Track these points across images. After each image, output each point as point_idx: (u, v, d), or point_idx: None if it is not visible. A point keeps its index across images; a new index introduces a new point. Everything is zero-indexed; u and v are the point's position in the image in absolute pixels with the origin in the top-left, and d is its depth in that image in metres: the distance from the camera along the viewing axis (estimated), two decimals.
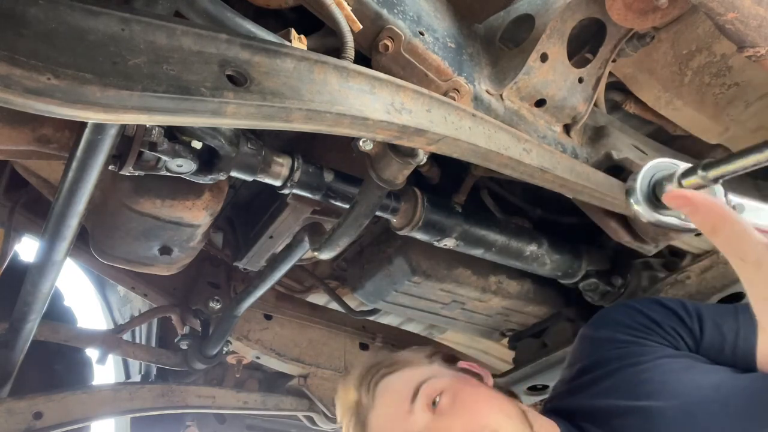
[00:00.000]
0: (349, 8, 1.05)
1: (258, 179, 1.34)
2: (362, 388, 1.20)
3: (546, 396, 2.08)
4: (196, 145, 1.21)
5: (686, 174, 1.01)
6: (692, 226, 1.04)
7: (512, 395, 1.27)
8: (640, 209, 1.05)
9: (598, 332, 1.32)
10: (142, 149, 1.17)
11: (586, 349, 1.32)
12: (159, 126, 1.14)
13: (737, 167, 0.96)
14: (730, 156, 0.97)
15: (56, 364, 2.67)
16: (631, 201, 1.06)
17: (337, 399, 1.27)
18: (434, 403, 1.10)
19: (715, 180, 0.99)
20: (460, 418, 1.06)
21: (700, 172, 0.98)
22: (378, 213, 1.43)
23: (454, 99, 1.21)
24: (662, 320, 1.25)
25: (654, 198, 1.06)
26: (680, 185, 1.01)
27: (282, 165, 1.35)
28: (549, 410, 1.27)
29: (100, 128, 1.02)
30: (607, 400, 1.18)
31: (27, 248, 4.94)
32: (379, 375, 1.20)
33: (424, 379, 1.15)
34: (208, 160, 1.27)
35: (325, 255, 1.44)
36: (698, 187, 1.01)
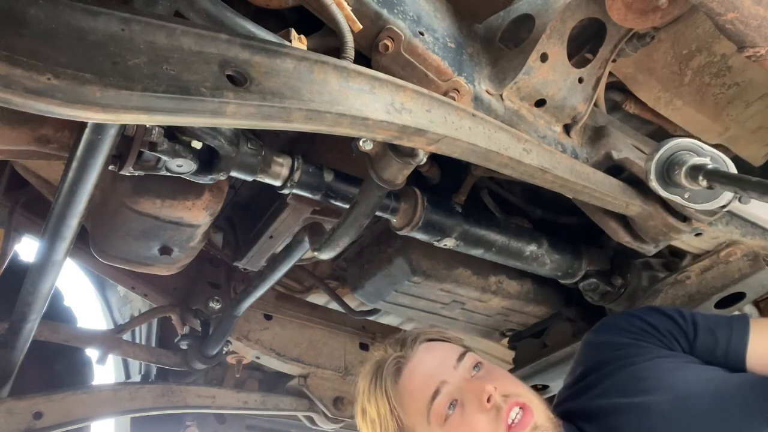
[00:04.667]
0: (349, 8, 1.05)
1: (258, 179, 1.34)
2: (401, 345, 1.30)
3: (546, 396, 2.08)
4: (196, 145, 1.21)
5: (694, 169, 1.13)
6: (696, 206, 1.12)
7: None
8: (653, 184, 1.18)
9: (598, 337, 1.40)
10: (142, 149, 1.17)
11: (587, 354, 1.39)
12: (159, 126, 1.14)
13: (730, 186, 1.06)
14: (732, 175, 1.05)
15: (56, 364, 2.67)
16: (646, 171, 1.13)
17: (370, 356, 1.38)
18: (475, 367, 1.23)
19: (709, 187, 1.11)
20: (497, 381, 1.18)
21: (700, 178, 1.07)
22: (378, 213, 1.43)
23: (454, 99, 1.21)
24: (658, 324, 1.32)
25: (666, 175, 1.12)
26: (688, 176, 1.09)
27: (282, 165, 1.35)
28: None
29: (100, 128, 1.02)
30: (605, 399, 1.23)
31: (27, 248, 4.94)
32: (423, 337, 1.32)
33: (467, 350, 1.28)
34: (208, 160, 1.26)
35: (325, 255, 1.44)
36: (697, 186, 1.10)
